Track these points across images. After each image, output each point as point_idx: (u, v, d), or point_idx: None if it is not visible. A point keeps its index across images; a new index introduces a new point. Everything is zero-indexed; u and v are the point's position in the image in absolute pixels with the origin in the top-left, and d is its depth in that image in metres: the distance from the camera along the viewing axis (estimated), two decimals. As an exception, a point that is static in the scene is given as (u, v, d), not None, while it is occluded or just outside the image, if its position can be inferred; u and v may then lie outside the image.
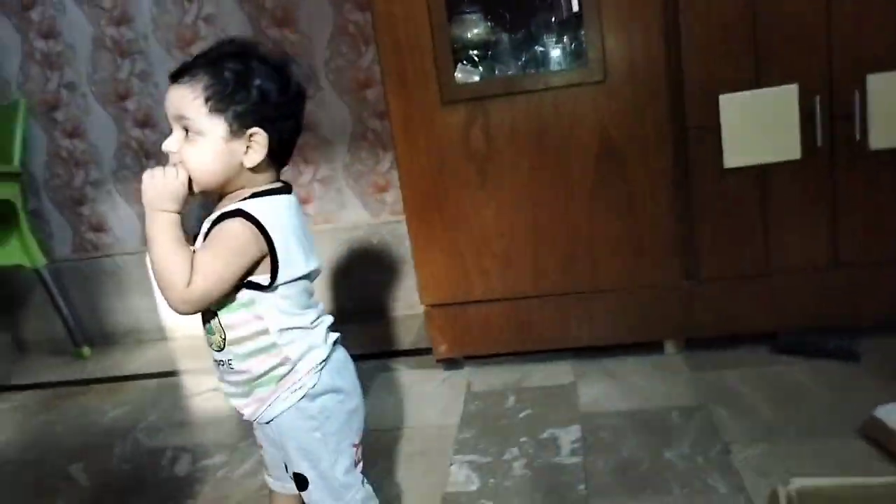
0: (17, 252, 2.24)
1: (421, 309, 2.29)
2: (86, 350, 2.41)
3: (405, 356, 2.00)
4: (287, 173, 2.28)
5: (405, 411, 1.68)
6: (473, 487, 1.35)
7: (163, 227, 0.90)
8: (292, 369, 0.95)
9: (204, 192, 0.94)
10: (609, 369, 1.72)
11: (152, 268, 0.90)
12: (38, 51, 2.32)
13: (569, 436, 1.47)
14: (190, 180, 0.91)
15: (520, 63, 1.73)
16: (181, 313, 0.92)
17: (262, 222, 0.90)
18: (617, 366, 1.73)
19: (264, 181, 0.96)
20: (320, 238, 2.29)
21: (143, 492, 1.51)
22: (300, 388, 0.95)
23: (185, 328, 2.41)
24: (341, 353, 1.03)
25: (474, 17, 1.80)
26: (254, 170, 0.94)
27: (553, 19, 1.74)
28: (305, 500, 1.01)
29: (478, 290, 1.73)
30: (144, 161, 2.34)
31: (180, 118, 0.90)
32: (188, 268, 0.88)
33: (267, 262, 0.92)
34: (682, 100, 1.56)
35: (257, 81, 0.90)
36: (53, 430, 1.89)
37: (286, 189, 0.98)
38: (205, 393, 1.98)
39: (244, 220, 0.90)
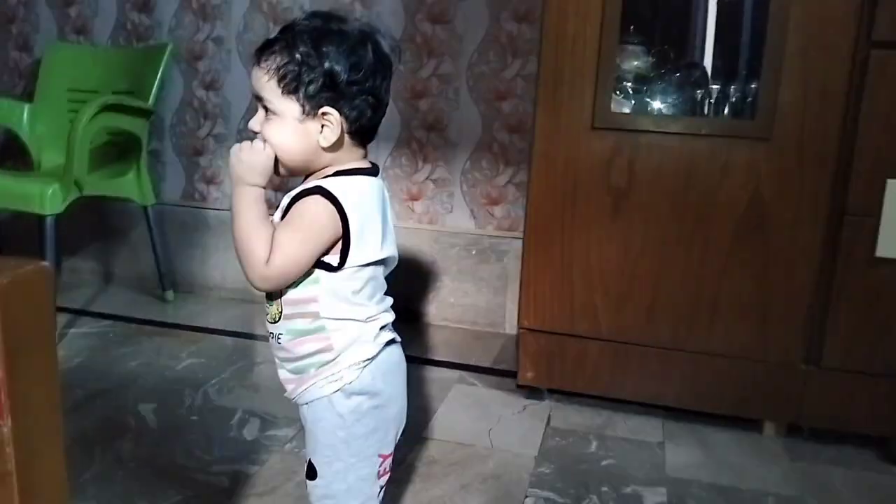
0: (132, 186, 2.29)
1: (506, 329, 2.25)
2: (170, 294, 2.44)
3: (484, 373, 1.94)
4: (405, 168, 2.27)
5: (481, 430, 1.62)
6: (548, 526, 1.28)
7: (249, 202, 0.91)
8: (334, 359, 0.92)
9: (290, 172, 0.95)
10: (701, 437, 1.62)
11: (234, 241, 0.91)
12: (195, 0, 2.39)
13: (654, 497, 1.38)
14: (276, 161, 0.92)
15: (674, 103, 1.66)
16: (259, 290, 0.92)
17: (341, 201, 0.88)
18: (710, 435, 1.63)
19: (349, 160, 0.94)
20: (419, 236, 2.27)
21: (209, 447, 1.49)
22: (337, 380, 0.92)
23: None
24: (394, 357, 0.98)
25: (637, 48, 1.75)
26: (335, 149, 0.92)
27: (721, 64, 1.67)
28: (308, 490, 0.98)
29: (581, 324, 1.66)
30: (270, 125, 2.36)
31: (259, 98, 0.92)
32: (268, 245, 0.88)
33: (339, 243, 0.90)
34: (847, 176, 1.47)
35: (326, 62, 0.88)
36: (128, 364, 1.90)
37: (373, 171, 0.96)
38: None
39: (322, 198, 0.88)
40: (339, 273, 0.90)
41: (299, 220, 0.89)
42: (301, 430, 1.54)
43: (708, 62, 1.69)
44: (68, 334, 2.10)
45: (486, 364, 2.00)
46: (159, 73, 2.29)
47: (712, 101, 1.64)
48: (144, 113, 2.26)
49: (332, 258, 0.90)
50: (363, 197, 0.91)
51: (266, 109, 0.91)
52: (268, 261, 0.87)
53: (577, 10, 1.55)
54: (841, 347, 1.53)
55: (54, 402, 0.61)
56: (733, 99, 1.62)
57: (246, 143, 0.92)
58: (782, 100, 1.47)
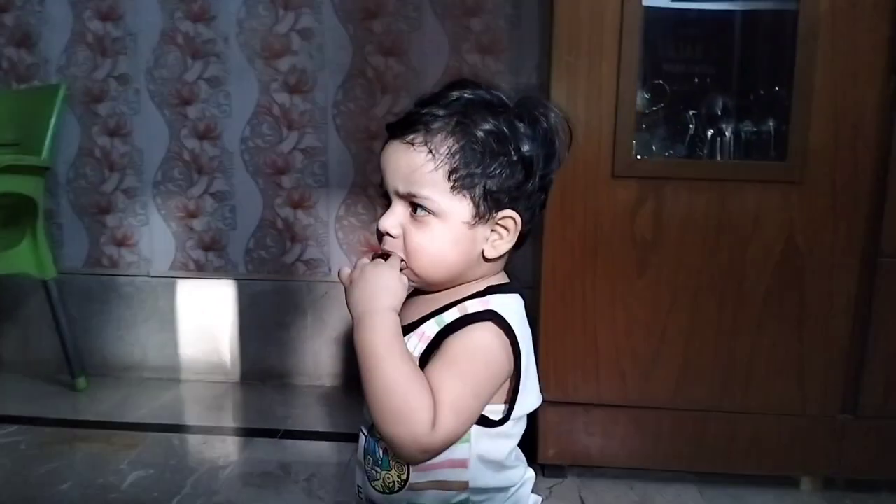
0: (28, 259, 1.89)
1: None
2: (81, 381, 2.04)
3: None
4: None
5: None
6: None
7: (389, 336, 0.63)
8: None
9: (429, 286, 0.70)
10: (741, 500, 1.51)
11: (376, 396, 0.62)
12: (90, 32, 2.01)
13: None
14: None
15: (695, 145, 1.54)
16: (415, 462, 0.66)
17: (516, 332, 0.66)
18: (749, 497, 1.52)
19: (498, 271, 0.72)
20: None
21: None
22: None
23: (200, 370, 2.08)
24: None
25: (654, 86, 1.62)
26: (497, 259, 0.70)
27: (746, 103, 1.56)
28: None
29: (608, 392, 1.50)
30: (196, 176, 2.03)
31: (409, 194, 0.65)
32: (430, 401, 0.61)
33: (502, 390, 0.68)
34: (880, 216, 1.40)
35: (524, 147, 0.66)
36: (58, 489, 1.53)
37: (515, 285, 0.74)
38: (244, 467, 1.66)
39: (496, 327, 0.65)
40: (497, 429, 0.68)
41: (472, 358, 0.64)
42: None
43: (734, 99, 1.57)
44: (-38, 453, 1.68)
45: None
46: (52, 120, 1.91)
47: (740, 142, 1.53)
48: (38, 170, 1.87)
49: (495, 409, 0.67)
50: (524, 323, 0.69)
51: (415, 207, 0.66)
52: (434, 423, 0.61)
53: (590, 49, 1.39)
54: (879, 395, 1.47)
55: None
56: (763, 139, 1.52)
57: (364, 261, 0.68)
58: (813, 140, 1.38)
